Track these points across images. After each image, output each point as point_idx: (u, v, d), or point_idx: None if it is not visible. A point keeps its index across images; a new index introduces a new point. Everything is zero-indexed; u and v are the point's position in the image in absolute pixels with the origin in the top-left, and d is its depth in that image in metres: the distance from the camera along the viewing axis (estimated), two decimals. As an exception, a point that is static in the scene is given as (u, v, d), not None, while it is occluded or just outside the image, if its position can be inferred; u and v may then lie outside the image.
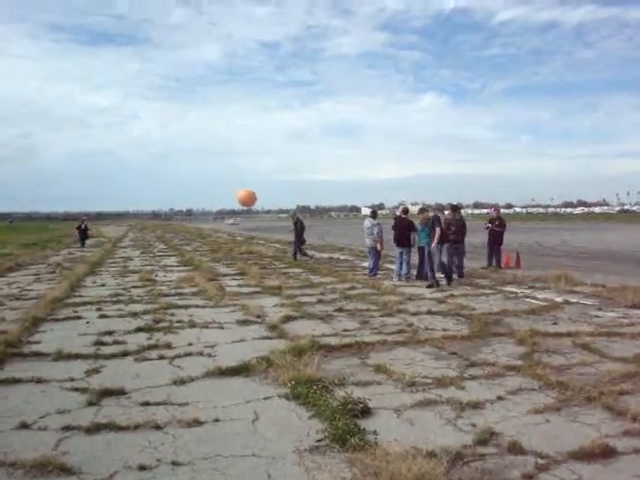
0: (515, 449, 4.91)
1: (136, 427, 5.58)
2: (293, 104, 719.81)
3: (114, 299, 13.82)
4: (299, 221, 24.82)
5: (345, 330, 9.90)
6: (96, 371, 7.63)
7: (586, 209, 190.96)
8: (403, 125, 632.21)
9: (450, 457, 4.68)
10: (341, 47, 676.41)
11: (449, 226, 17.41)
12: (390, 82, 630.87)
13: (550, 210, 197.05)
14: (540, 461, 4.70)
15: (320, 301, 13.06)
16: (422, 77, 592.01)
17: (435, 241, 15.36)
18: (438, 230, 15.41)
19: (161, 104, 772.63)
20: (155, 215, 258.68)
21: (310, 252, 25.16)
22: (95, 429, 5.54)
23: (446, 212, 18.50)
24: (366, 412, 5.82)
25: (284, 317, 10.97)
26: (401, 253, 16.61)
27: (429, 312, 11.48)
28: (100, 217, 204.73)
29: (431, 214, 16.10)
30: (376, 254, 17.90)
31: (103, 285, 16.76)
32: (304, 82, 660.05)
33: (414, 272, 16.84)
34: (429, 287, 14.93)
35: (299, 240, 24.49)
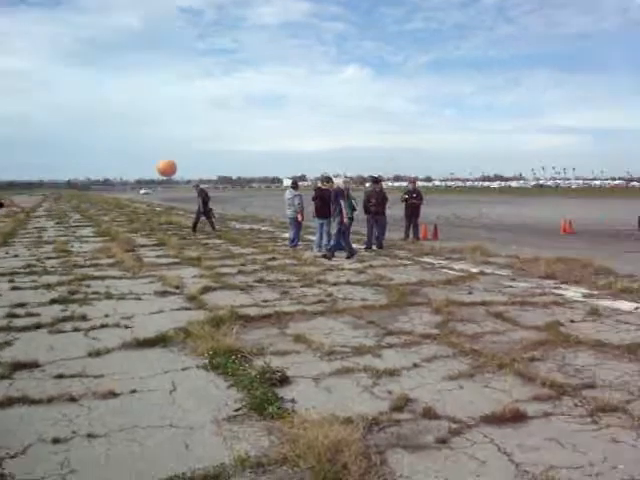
0: (429, 414, 5.02)
1: (50, 400, 5.44)
2: (215, 72, 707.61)
3: (27, 270, 13.40)
4: (203, 192, 24.56)
5: (265, 300, 9.89)
6: (8, 344, 7.39)
7: (503, 183, 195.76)
8: (327, 97, 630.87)
9: (366, 423, 4.75)
10: (263, 16, 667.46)
11: (369, 198, 17.64)
12: (313, 53, 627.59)
13: (468, 184, 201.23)
14: (453, 426, 4.82)
15: (240, 272, 12.99)
16: (345, 49, 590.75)
17: (345, 215, 15.47)
18: (343, 203, 15.48)
19: (78, 69, 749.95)
20: (71, 185, 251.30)
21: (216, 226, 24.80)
22: (7, 403, 5.38)
23: (367, 184, 18.68)
24: (284, 381, 5.84)
25: (203, 288, 10.86)
26: (322, 224, 16.62)
27: (348, 282, 11.59)
28: (12, 187, 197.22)
29: (335, 186, 16.18)
30: (297, 225, 17.90)
31: (16, 256, 16.24)
32: (226, 50, 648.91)
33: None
34: (348, 258, 15.08)
35: (204, 211, 24.21)
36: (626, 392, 5.60)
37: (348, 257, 15.13)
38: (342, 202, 15.42)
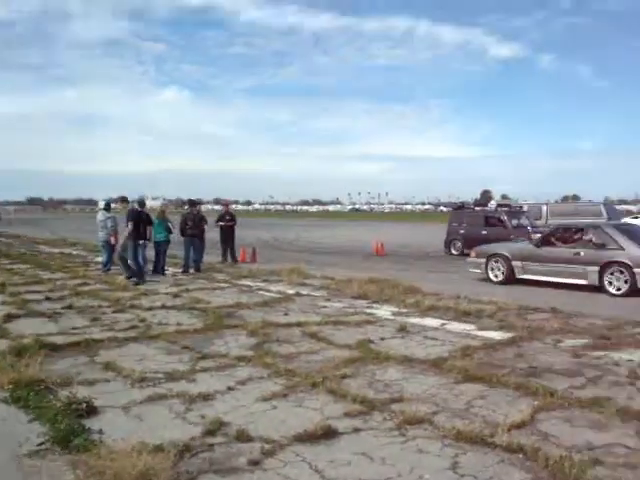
0: (243, 437, 4.98)
1: None
2: (25, 88, 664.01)
3: None
4: None
5: (74, 328, 9.42)
6: None
7: (321, 207, 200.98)
8: (147, 118, 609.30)
9: (178, 450, 4.64)
10: (81, 32, 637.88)
11: (186, 221, 17.58)
12: (132, 73, 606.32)
13: (288, 207, 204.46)
14: (266, 446, 4.81)
15: (48, 298, 12.30)
16: (165, 70, 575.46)
17: (123, 237, 15.29)
18: (130, 225, 15.16)
19: None
20: None
21: None
22: None
23: (186, 207, 18.63)
24: (92, 411, 5.58)
25: (6, 316, 10.19)
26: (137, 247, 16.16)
27: (163, 307, 11.33)
28: None
29: (129, 207, 15.92)
30: (110, 248, 17.26)
31: None
32: (39, 66, 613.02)
33: (150, 267, 16.55)
34: (129, 278, 14.88)
35: None
36: (432, 404, 5.88)
37: (128, 277, 14.82)
38: (130, 224, 15.08)
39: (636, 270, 12.96)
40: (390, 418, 5.48)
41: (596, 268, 13.60)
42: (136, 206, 16.66)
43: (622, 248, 13.44)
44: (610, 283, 13.40)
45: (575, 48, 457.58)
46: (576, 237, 14.90)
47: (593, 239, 14.15)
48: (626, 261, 13.17)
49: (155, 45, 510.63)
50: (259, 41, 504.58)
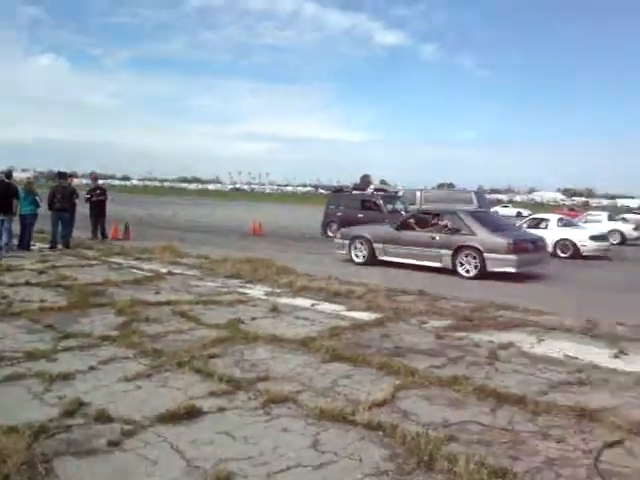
0: (103, 418, 4.88)
1: None
2: None
3: None
4: None
5: None
6: None
7: (200, 185, 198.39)
8: (18, 85, 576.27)
9: (33, 431, 4.50)
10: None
11: (55, 194, 16.85)
12: (4, 37, 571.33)
13: (167, 184, 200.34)
14: (126, 427, 4.74)
15: None
16: (40, 37, 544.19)
17: None
18: None
19: None
20: None
21: None
22: None
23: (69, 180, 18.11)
24: (-58, 392, 5.33)
25: None
26: (2, 221, 15.41)
27: (27, 283, 10.85)
28: None
29: None
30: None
31: None
32: None
33: (15, 242, 15.85)
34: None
35: None
36: (298, 383, 5.98)
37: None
38: None
39: (486, 255, 13.77)
40: (255, 397, 5.52)
41: (449, 252, 14.36)
42: (3, 177, 15.92)
43: (474, 233, 14.22)
44: (462, 266, 14.15)
45: (457, 40, 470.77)
46: (433, 222, 15.59)
47: (448, 224, 14.90)
48: (477, 246, 13.96)
49: (30, 9, 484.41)
50: (143, 12, 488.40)
